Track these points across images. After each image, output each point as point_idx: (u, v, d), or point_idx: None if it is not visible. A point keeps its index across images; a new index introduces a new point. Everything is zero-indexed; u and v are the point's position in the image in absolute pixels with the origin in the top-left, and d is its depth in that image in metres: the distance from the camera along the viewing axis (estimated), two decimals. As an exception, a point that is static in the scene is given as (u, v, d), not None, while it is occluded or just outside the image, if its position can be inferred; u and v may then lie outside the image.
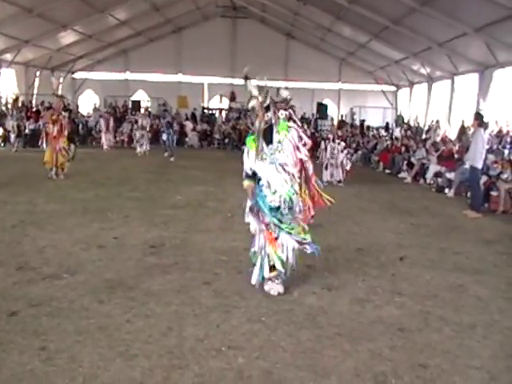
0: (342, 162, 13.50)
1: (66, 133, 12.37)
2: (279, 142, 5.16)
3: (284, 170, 5.18)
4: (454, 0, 14.16)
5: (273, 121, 5.17)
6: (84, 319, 4.58)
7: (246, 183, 5.34)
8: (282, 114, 5.15)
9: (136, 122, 20.76)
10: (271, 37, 28.88)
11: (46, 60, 25.18)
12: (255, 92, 5.16)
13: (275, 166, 5.16)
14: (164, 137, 18.30)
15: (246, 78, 5.24)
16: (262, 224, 5.32)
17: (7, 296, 5.05)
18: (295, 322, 4.69)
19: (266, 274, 5.31)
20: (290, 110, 5.30)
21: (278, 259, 5.26)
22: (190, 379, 3.68)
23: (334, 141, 13.67)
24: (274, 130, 5.16)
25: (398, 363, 4.03)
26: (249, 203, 5.41)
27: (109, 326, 4.46)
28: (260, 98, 5.12)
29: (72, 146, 13.04)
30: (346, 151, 13.91)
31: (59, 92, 12.41)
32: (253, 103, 5.17)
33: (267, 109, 5.15)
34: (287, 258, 5.32)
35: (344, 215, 9.58)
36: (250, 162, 5.27)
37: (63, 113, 12.51)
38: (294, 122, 5.40)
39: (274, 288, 5.32)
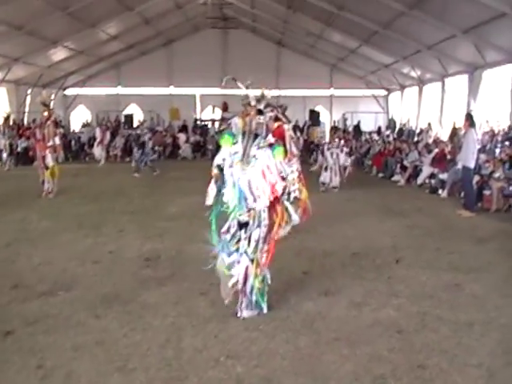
0: (339, 168, 13.49)
1: (50, 143, 12.22)
2: (254, 156, 4.82)
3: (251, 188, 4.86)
4: (443, 2, 14.24)
5: (262, 131, 4.90)
6: (81, 335, 4.57)
7: (215, 172, 5.04)
8: (260, 119, 4.88)
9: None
10: (262, 46, 28.95)
11: (37, 77, 25.13)
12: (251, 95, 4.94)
13: (247, 179, 4.83)
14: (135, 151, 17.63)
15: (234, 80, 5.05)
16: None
17: (2, 315, 5.03)
18: (293, 329, 4.69)
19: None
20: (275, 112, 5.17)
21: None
22: (188, 391, 3.68)
23: (330, 144, 13.70)
24: (256, 142, 4.85)
25: (397, 365, 4.03)
26: (212, 192, 5.07)
27: (106, 341, 4.45)
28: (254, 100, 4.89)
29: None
30: (345, 150, 13.90)
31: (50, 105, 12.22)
32: (249, 97, 4.89)
33: (259, 112, 4.91)
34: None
35: (339, 219, 9.59)
36: (221, 158, 5.00)
37: (48, 122, 12.33)
38: (280, 119, 5.38)
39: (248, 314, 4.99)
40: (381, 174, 17.16)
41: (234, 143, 4.92)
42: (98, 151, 20.80)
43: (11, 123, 22.75)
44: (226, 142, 4.99)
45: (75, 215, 9.96)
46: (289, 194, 4.95)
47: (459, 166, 11.12)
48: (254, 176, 4.81)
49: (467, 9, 13.92)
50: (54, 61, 24.39)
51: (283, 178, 4.87)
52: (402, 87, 26.77)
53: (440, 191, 12.89)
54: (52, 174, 12.17)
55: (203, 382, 3.79)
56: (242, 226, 4.91)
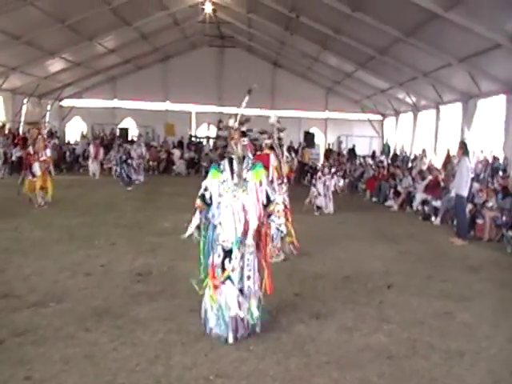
0: (334, 188, 13.59)
1: (42, 158, 12.30)
2: (245, 179, 4.82)
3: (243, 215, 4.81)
4: (439, 31, 14.43)
5: (247, 153, 4.93)
6: (70, 347, 4.54)
7: (199, 203, 4.95)
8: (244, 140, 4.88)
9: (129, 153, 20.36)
10: (258, 65, 29.14)
11: (34, 87, 25.16)
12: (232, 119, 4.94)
13: (235, 209, 4.79)
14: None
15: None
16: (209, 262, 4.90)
17: (-8, 324, 4.98)
18: (283, 351, 4.68)
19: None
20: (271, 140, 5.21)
21: (211, 309, 4.85)
22: (176, 408, 3.65)
23: (322, 173, 13.77)
24: (245, 164, 4.85)
25: (387, 391, 4.02)
26: (195, 221, 4.99)
27: (95, 355, 4.42)
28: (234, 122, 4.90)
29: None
30: (335, 177, 13.98)
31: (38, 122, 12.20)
32: (230, 122, 4.91)
33: (243, 134, 4.92)
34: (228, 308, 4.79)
35: (331, 242, 9.59)
36: (209, 187, 4.90)
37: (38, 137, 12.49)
38: (273, 149, 5.38)
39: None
40: (374, 199, 17.22)
41: (222, 172, 4.86)
42: (93, 167, 20.74)
43: (6, 132, 22.73)
44: (214, 175, 4.88)
45: (68, 227, 9.91)
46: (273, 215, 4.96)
47: (452, 193, 11.17)
48: (246, 200, 4.79)
49: (463, 38, 14.11)
50: (51, 72, 24.45)
51: (268, 200, 4.87)
52: (397, 113, 27.01)
53: (433, 218, 12.94)
54: (42, 187, 12.16)
55: (192, 401, 3.77)
56: (226, 253, 4.80)
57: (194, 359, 4.41)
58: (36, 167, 12.09)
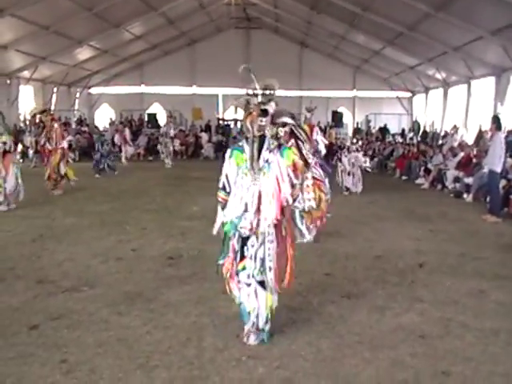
0: (360, 168, 13.41)
1: (60, 145, 12.43)
2: (267, 161, 4.26)
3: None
4: (469, 4, 14.09)
5: (267, 132, 4.32)
6: (104, 331, 4.61)
7: (222, 195, 4.44)
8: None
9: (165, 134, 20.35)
10: (285, 46, 28.95)
11: (63, 76, 25.50)
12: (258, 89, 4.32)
13: (258, 190, 4.27)
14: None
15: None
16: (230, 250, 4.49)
17: (28, 309, 5.10)
18: (315, 331, 4.67)
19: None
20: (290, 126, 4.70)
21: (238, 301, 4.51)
22: (210, 390, 3.68)
23: (349, 150, 13.61)
24: (266, 144, 4.28)
25: (420, 371, 3.99)
26: (220, 218, 4.54)
27: (128, 338, 4.48)
28: (259, 98, 4.29)
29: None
30: (361, 154, 13.79)
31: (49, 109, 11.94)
32: (250, 99, 4.33)
33: (263, 114, 4.25)
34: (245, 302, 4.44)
35: (361, 223, 9.53)
36: (228, 173, 4.37)
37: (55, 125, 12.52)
38: (297, 137, 4.85)
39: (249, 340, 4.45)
40: (404, 177, 17.02)
41: (243, 152, 4.31)
42: (130, 150, 20.92)
43: (37, 121, 23.06)
44: (237, 158, 4.31)
45: (99, 213, 10.05)
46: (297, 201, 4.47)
47: (485, 169, 10.96)
48: (266, 185, 4.24)
49: (495, 10, 13.76)
50: (79, 60, 24.74)
51: (292, 186, 4.31)
52: (427, 89, 26.54)
53: (465, 195, 12.73)
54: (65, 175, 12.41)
55: (224, 382, 3.79)
56: (244, 240, 4.36)
57: (226, 341, 4.43)
58: (61, 166, 12.28)
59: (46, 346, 4.30)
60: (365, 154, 14.66)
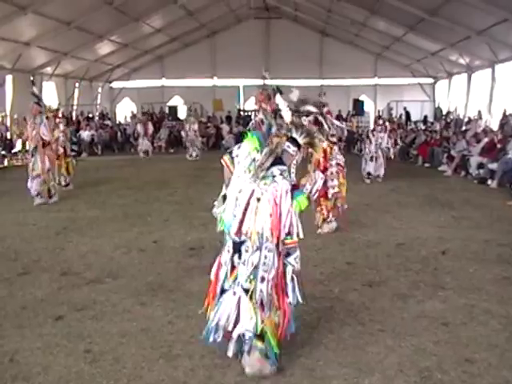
0: (383, 152, 13.29)
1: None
2: (273, 176, 3.70)
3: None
4: (493, -14, 13.81)
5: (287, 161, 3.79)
6: (127, 321, 4.66)
7: (226, 159, 3.92)
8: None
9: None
10: (305, 35, 28.70)
11: (85, 71, 25.74)
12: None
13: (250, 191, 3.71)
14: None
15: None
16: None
17: (53, 301, 5.18)
18: (336, 319, 4.66)
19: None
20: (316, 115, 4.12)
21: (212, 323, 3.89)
22: (232, 378, 3.70)
23: (373, 132, 13.50)
24: (280, 166, 3.73)
25: (443, 358, 3.95)
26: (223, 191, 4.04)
27: (151, 328, 4.52)
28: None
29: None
30: (386, 136, 13.62)
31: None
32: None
33: (292, 140, 3.82)
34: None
35: (383, 210, 9.46)
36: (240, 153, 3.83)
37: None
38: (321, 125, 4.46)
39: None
40: (427, 164, 16.84)
41: (259, 151, 3.77)
42: (144, 145, 20.99)
43: (60, 116, 23.32)
44: (252, 142, 3.82)
45: (121, 205, 10.14)
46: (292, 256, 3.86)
47: (510, 155, 10.79)
48: (263, 194, 3.70)
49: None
50: (100, 54, 24.89)
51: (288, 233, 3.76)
52: (450, 75, 26.11)
53: (489, 181, 12.55)
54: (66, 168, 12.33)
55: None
56: (237, 246, 3.78)
57: (248, 330, 4.43)
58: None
59: (71, 337, 4.36)
60: (389, 137, 14.48)
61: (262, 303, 3.73)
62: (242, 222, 3.71)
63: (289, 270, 3.84)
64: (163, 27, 24.57)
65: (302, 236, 3.79)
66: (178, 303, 5.07)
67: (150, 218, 8.94)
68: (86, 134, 22.40)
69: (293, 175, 3.87)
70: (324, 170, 7.57)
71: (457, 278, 5.78)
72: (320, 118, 4.40)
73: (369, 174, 13.11)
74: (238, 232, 3.72)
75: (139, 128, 21.05)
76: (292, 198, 3.73)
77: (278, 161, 3.74)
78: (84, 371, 3.82)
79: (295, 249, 3.87)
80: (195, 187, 12.34)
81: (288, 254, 3.85)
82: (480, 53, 20.64)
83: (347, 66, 27.75)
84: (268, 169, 3.71)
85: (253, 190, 3.71)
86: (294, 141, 3.81)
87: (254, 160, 3.76)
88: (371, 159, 13.20)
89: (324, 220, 7.80)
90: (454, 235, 7.66)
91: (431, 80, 29.41)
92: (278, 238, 3.71)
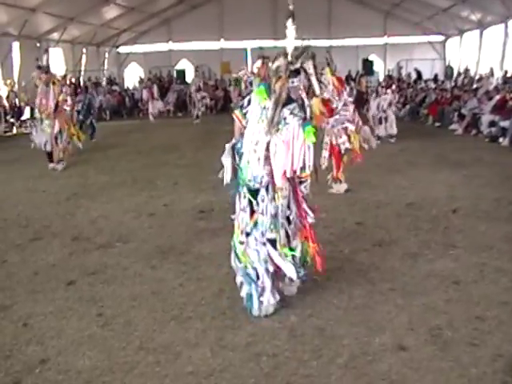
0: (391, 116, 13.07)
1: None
2: (285, 119, 3.79)
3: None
4: None
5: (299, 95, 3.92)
6: (138, 285, 4.69)
7: (237, 112, 4.12)
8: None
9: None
10: (314, -5, 28.15)
11: (91, 36, 25.49)
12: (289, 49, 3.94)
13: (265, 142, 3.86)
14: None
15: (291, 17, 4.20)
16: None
17: (64, 266, 5.22)
18: (347, 279, 4.66)
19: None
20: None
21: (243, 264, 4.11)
22: (243, 339, 3.73)
23: (378, 95, 13.28)
24: (292, 106, 3.82)
25: (454, 316, 3.95)
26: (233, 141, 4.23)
27: (162, 291, 4.55)
28: (289, 58, 3.87)
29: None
30: (393, 107, 13.40)
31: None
32: (278, 62, 3.89)
33: (295, 73, 3.86)
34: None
35: (393, 170, 9.40)
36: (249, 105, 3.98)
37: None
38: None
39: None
40: (437, 124, 16.62)
41: (269, 96, 3.83)
42: (155, 107, 20.78)
43: (68, 82, 23.20)
44: (260, 93, 3.87)
45: (130, 170, 10.15)
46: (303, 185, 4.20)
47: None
48: (276, 143, 3.83)
49: None
50: (106, 19, 24.64)
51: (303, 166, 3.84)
52: (461, 32, 25.58)
53: (501, 139, 12.38)
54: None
55: (257, 331, 3.82)
56: (253, 193, 4.01)
57: (258, 291, 4.45)
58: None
59: (83, 301, 4.41)
60: (397, 102, 14.27)
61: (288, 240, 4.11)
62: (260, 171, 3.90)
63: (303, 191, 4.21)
64: (170, -12, 24.21)
65: (311, 169, 3.92)
66: (189, 266, 5.09)
67: (159, 182, 8.95)
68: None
69: (306, 107, 3.95)
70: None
71: (467, 236, 5.74)
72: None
73: (378, 137, 12.92)
74: (261, 180, 3.93)
75: (144, 95, 20.88)
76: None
77: (286, 101, 3.81)
78: (96, 334, 3.87)
79: (307, 179, 4.17)
80: (204, 151, 12.26)
81: (300, 183, 4.18)
82: (492, 8, 20.17)
83: (356, 26, 27.25)
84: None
85: (268, 143, 3.84)
86: (294, 72, 3.85)
87: (264, 108, 3.84)
88: (380, 121, 13.02)
89: (335, 180, 7.77)
90: (464, 194, 7.60)
91: (442, 38, 28.85)
92: (295, 172, 3.88)
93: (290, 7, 4.30)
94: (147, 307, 4.26)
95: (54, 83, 10.22)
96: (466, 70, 23.90)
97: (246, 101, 4.09)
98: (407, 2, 24.69)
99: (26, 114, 19.21)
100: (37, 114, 10.34)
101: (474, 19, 22.51)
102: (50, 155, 10.34)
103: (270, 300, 4.05)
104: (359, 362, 3.41)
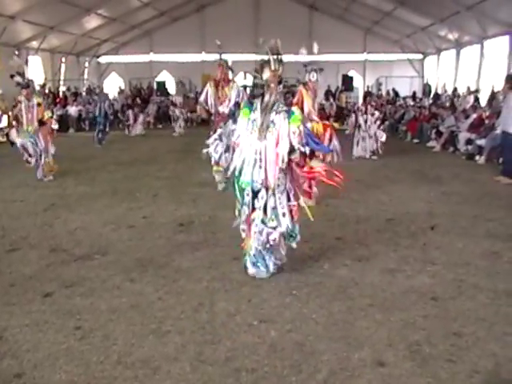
0: (375, 134, 13.13)
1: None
2: (273, 121, 4.64)
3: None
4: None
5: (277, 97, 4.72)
6: (116, 298, 4.64)
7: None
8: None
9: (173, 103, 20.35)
10: (294, 9, 28.44)
11: (72, 46, 25.39)
12: (272, 61, 4.57)
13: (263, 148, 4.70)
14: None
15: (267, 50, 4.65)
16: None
17: (41, 278, 5.14)
18: (326, 294, 4.67)
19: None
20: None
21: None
22: (222, 354, 3.70)
23: (366, 112, 13.35)
24: (275, 107, 4.66)
25: (432, 332, 3.98)
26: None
27: (141, 304, 4.50)
28: (274, 67, 4.58)
29: None
30: (378, 122, 13.49)
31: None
32: (267, 75, 4.59)
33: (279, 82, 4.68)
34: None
35: (372, 185, 9.47)
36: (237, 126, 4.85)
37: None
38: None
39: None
40: (415, 140, 16.84)
41: (253, 111, 4.73)
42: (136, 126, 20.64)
43: (46, 91, 23.02)
44: (245, 114, 4.77)
45: (110, 181, 10.07)
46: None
47: (498, 130, 10.79)
48: (269, 144, 4.64)
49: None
50: (87, 29, 24.57)
51: (292, 149, 4.63)
52: (439, 50, 26.06)
53: (477, 157, 12.57)
54: None
55: (237, 346, 3.81)
56: (256, 193, 4.79)
57: (238, 305, 4.44)
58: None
59: (60, 313, 4.34)
60: (382, 123, 14.38)
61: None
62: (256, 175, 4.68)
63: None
64: (151, 1, 24.28)
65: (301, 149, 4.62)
66: (168, 279, 5.05)
67: (139, 194, 8.89)
68: (73, 110, 22.13)
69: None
70: None
71: (446, 252, 5.81)
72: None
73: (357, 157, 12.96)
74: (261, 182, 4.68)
75: (131, 116, 20.70)
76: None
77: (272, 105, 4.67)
78: (74, 348, 3.81)
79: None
80: (184, 163, 12.27)
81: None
82: (469, 28, 20.61)
83: (336, 42, 27.51)
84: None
85: (261, 148, 4.63)
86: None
87: (254, 120, 4.67)
88: (357, 144, 13.12)
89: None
90: (443, 210, 7.70)
91: (420, 56, 29.35)
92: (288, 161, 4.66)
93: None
94: (126, 321, 4.21)
95: (39, 105, 10.08)
96: (445, 90, 24.31)
97: (232, 126, 4.91)
98: (387, 19, 25.08)
99: (4, 123, 18.97)
100: (25, 127, 10.09)
101: (452, 39, 22.95)
102: (29, 155, 10.15)
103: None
104: (338, 377, 3.41)
